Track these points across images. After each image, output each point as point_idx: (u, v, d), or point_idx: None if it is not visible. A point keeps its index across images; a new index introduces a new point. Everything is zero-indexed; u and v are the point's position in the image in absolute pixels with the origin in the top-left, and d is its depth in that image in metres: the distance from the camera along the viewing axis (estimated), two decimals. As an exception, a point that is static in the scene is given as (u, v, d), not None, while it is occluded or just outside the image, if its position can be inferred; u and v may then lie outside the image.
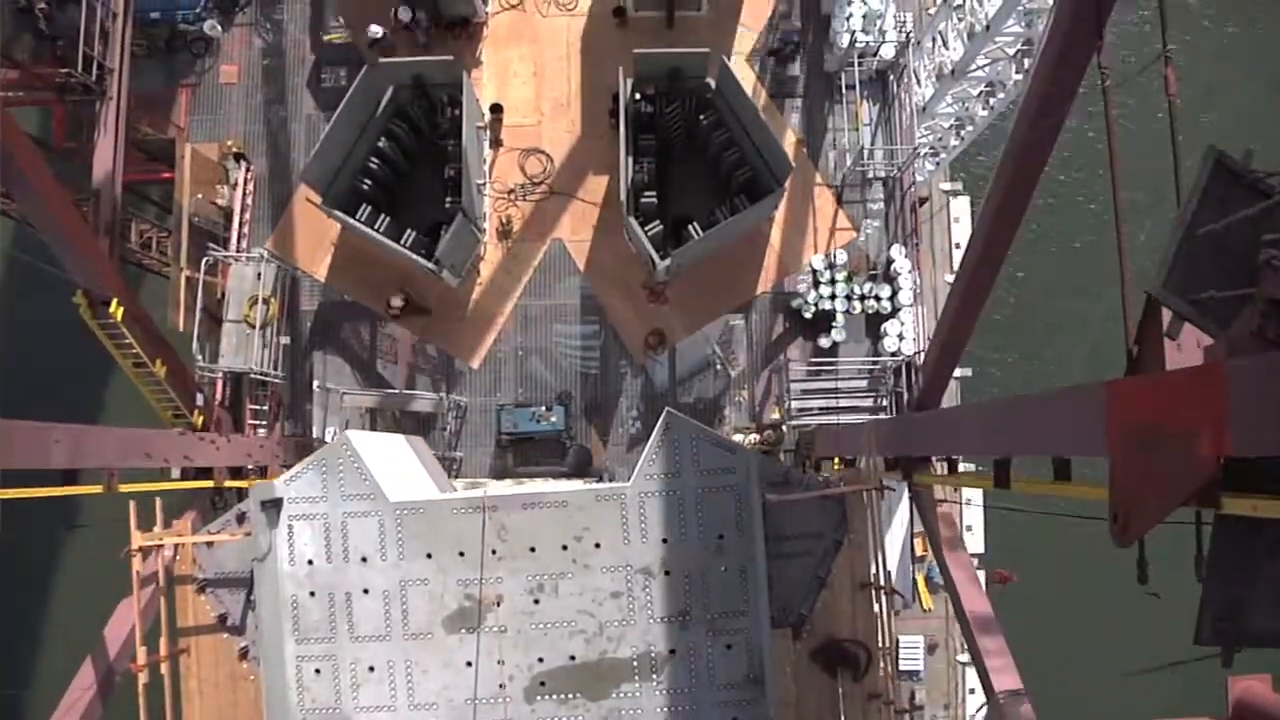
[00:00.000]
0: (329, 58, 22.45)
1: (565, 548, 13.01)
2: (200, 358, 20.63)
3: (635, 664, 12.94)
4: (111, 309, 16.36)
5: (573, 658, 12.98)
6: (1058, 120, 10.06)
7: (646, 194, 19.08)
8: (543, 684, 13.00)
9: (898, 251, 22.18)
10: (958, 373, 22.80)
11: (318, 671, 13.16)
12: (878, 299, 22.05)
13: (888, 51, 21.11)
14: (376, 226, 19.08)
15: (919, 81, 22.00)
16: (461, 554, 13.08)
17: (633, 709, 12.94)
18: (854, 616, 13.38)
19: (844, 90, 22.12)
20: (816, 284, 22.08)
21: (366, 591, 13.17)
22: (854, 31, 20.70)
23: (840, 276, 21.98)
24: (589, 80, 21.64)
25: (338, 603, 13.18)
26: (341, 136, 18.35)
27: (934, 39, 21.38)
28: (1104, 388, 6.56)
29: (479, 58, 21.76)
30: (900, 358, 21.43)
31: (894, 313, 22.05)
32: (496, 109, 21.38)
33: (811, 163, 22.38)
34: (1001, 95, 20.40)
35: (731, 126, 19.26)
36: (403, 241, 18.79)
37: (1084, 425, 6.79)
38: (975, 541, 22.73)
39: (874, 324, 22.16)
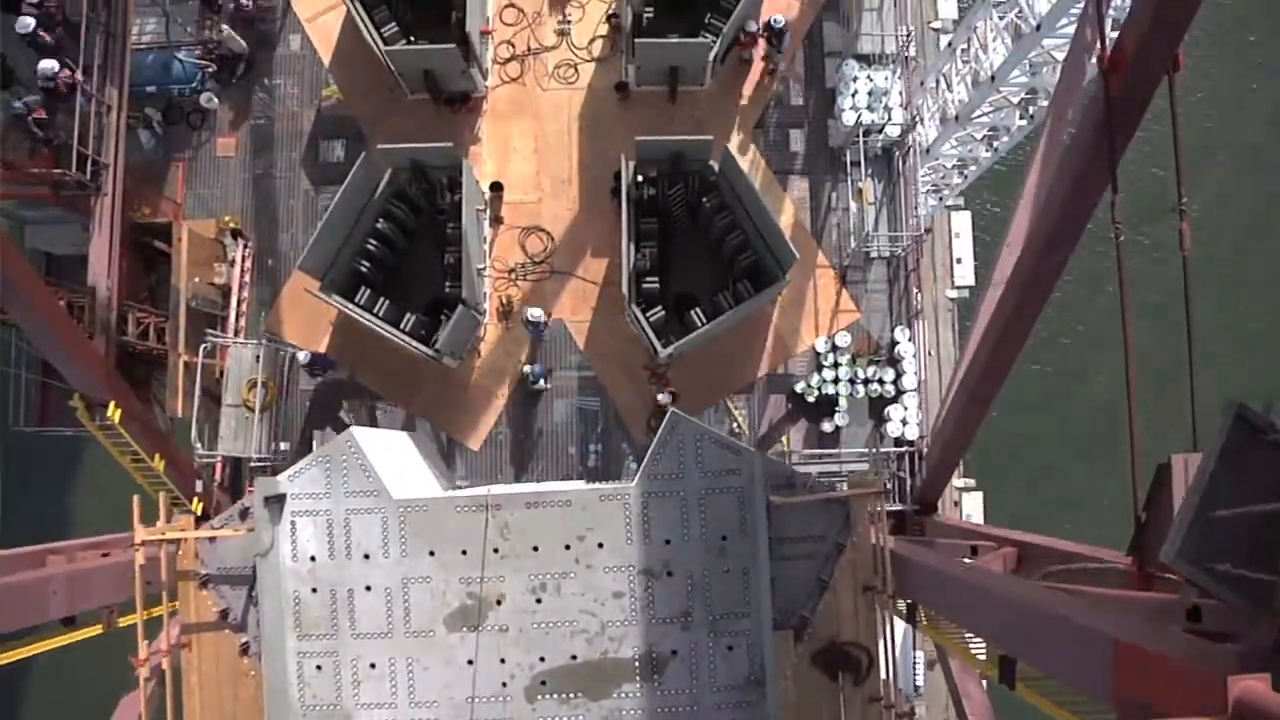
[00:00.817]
0: (326, 131, 21.74)
1: (568, 547, 13.01)
2: (199, 445, 20.31)
3: (637, 664, 12.94)
4: (110, 412, 16.21)
5: (574, 657, 12.98)
6: (1064, 256, 9.99)
7: (648, 280, 18.77)
8: (544, 683, 13.00)
9: (902, 334, 21.51)
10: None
11: (319, 668, 13.16)
12: (881, 382, 21.24)
13: (893, 130, 20.66)
14: (375, 310, 18.65)
15: (922, 121, 21.60)
16: (464, 552, 13.08)
17: (634, 709, 12.94)
18: (856, 619, 13.35)
19: (848, 167, 21.55)
20: (819, 367, 21.35)
21: (369, 588, 13.17)
22: (859, 109, 20.22)
23: (843, 360, 21.29)
24: (591, 155, 21.08)
25: (340, 599, 13.18)
26: (339, 223, 17.96)
27: (938, 80, 21.24)
28: (1112, 646, 6.44)
29: (478, 134, 21.16)
30: (904, 448, 20.75)
31: (898, 396, 21.29)
32: (497, 187, 20.78)
33: (814, 240, 21.77)
34: (1005, 139, 20.24)
35: (735, 210, 18.88)
36: (402, 325, 18.38)
37: (1092, 669, 6.75)
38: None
39: (877, 407, 21.41)
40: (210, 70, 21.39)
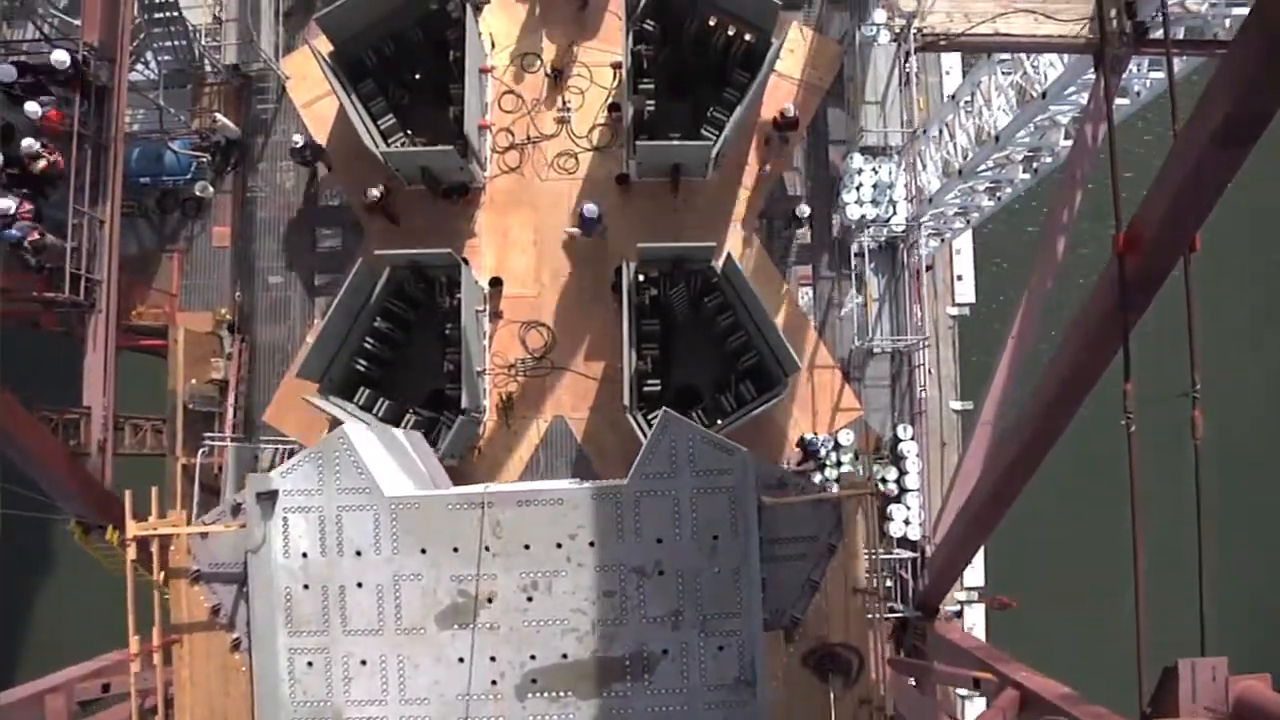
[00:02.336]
0: (323, 219, 21.46)
1: (559, 545, 13.01)
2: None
3: (627, 663, 12.93)
4: (108, 535, 15.98)
5: (565, 656, 12.98)
6: (1072, 409, 9.96)
7: (649, 383, 18.67)
8: (534, 681, 12.99)
9: (904, 431, 21.14)
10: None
11: (310, 664, 13.16)
12: (884, 481, 20.74)
13: (898, 224, 20.34)
14: (375, 411, 18.58)
15: (924, 165, 21.32)
16: (455, 549, 13.08)
17: (624, 708, 12.93)
18: (846, 621, 13.38)
19: (852, 259, 21.20)
20: (821, 466, 20.92)
21: (360, 585, 13.16)
22: (863, 202, 19.94)
23: (845, 458, 20.82)
24: (591, 248, 20.76)
25: (331, 596, 13.18)
26: (337, 327, 17.76)
27: (940, 129, 21.13)
28: None
29: (477, 226, 20.78)
30: (906, 554, 20.35)
31: (900, 495, 20.88)
32: (496, 283, 20.50)
33: (816, 333, 21.48)
34: (1009, 190, 20.18)
35: (738, 312, 18.68)
36: (403, 424, 18.44)
37: None
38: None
39: (880, 506, 20.82)
40: (205, 160, 20.95)
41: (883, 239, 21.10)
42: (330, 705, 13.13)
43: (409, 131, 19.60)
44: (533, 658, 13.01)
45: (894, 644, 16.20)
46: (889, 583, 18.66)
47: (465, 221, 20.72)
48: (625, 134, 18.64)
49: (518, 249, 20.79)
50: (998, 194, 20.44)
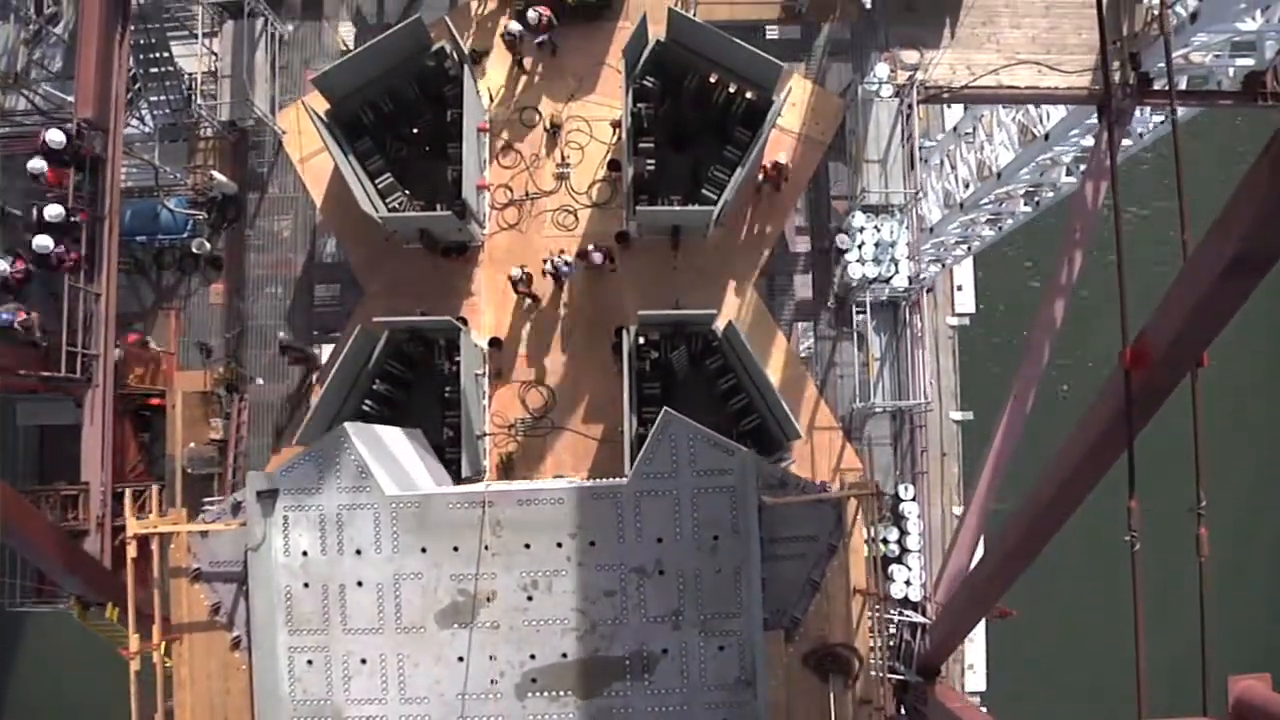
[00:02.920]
0: (321, 275, 21.04)
1: (560, 545, 13.01)
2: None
3: (627, 663, 12.93)
4: (108, 613, 15.77)
5: (565, 655, 12.98)
6: (1070, 510, 9.86)
7: None
8: (534, 680, 13.00)
9: (905, 491, 20.86)
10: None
11: (310, 663, 13.16)
12: (885, 542, 20.25)
13: (899, 283, 19.93)
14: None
15: (925, 194, 21.06)
16: (456, 549, 13.08)
17: (623, 708, 12.93)
18: (847, 621, 13.37)
19: (854, 316, 20.79)
20: None
21: (360, 584, 13.17)
22: (865, 261, 19.66)
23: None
24: (591, 306, 20.40)
25: (331, 594, 13.18)
26: (336, 394, 17.53)
27: (942, 160, 20.92)
28: None
29: (476, 284, 20.35)
30: (908, 617, 19.52)
31: (902, 555, 20.61)
32: (495, 343, 20.21)
33: (817, 389, 21.05)
34: (1010, 222, 20.02)
35: (738, 374, 18.45)
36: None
37: None
38: (978, 680, 21.99)
39: (882, 566, 20.95)
40: (201, 217, 20.58)
41: (884, 297, 20.75)
42: (330, 703, 13.13)
43: (406, 190, 19.04)
44: (532, 657, 13.01)
45: (895, 704, 16.11)
46: (890, 642, 18.32)
47: (464, 279, 20.30)
48: (625, 193, 18.16)
49: (518, 307, 20.44)
50: (999, 225, 20.29)
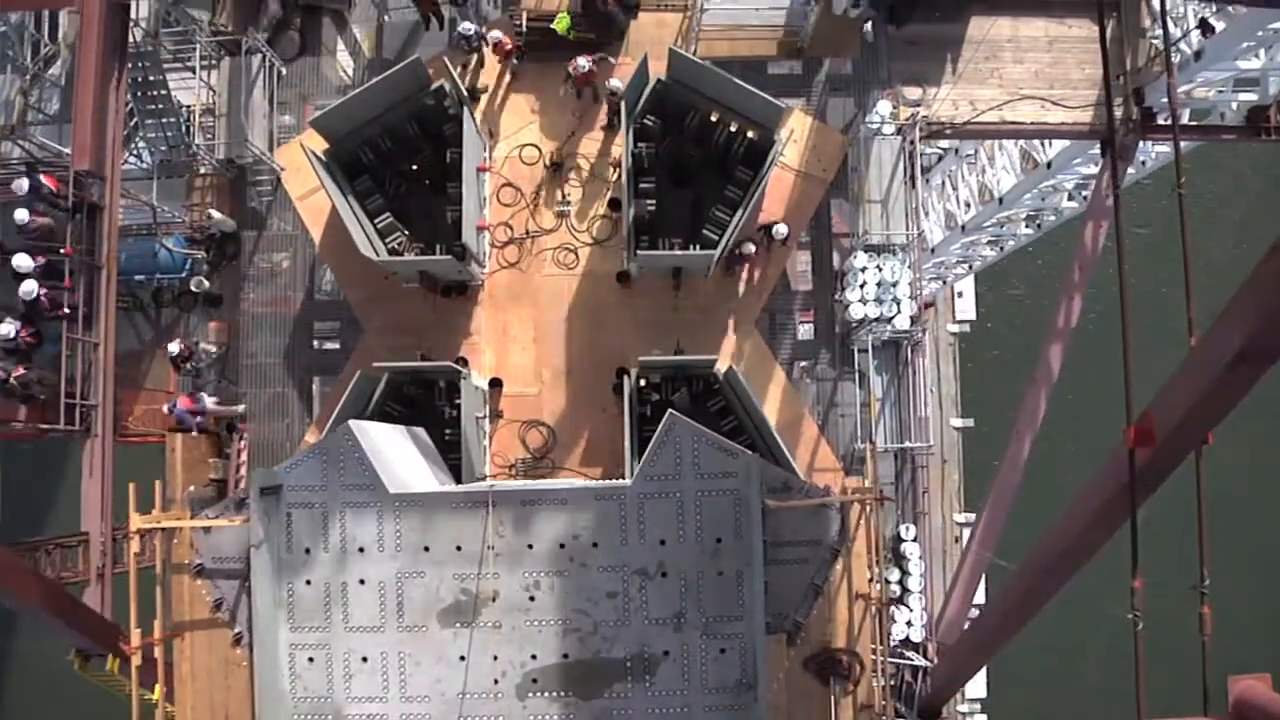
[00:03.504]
0: (320, 313, 20.74)
1: (563, 546, 13.02)
2: None
3: (628, 665, 12.94)
4: (109, 665, 15.65)
5: (566, 656, 12.98)
6: (1069, 575, 9.86)
7: None
8: (535, 681, 13.00)
9: (907, 532, 20.71)
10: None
11: (311, 660, 13.16)
12: (886, 583, 19.65)
13: (901, 323, 19.60)
14: None
15: (926, 213, 21.06)
16: (459, 548, 13.09)
17: (624, 710, 12.94)
18: (849, 626, 13.37)
19: (855, 355, 20.59)
20: None
21: (362, 582, 13.17)
22: (866, 300, 19.44)
23: None
24: (592, 346, 20.10)
25: (333, 592, 13.19)
26: None
27: (944, 181, 20.90)
28: None
29: (476, 323, 20.15)
30: (910, 660, 19.65)
31: (903, 596, 20.37)
32: (496, 384, 20.02)
33: (818, 429, 20.74)
34: (1012, 243, 20.01)
35: (739, 417, 18.38)
36: None
37: None
38: (978, 688, 21.83)
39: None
40: (200, 255, 20.27)
41: (885, 336, 20.44)
42: (331, 701, 13.13)
43: (406, 229, 18.62)
44: (534, 657, 13.01)
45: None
46: (891, 683, 18.10)
47: (464, 318, 20.08)
48: (626, 234, 18.02)
49: (518, 346, 20.22)
50: (1000, 245, 20.29)
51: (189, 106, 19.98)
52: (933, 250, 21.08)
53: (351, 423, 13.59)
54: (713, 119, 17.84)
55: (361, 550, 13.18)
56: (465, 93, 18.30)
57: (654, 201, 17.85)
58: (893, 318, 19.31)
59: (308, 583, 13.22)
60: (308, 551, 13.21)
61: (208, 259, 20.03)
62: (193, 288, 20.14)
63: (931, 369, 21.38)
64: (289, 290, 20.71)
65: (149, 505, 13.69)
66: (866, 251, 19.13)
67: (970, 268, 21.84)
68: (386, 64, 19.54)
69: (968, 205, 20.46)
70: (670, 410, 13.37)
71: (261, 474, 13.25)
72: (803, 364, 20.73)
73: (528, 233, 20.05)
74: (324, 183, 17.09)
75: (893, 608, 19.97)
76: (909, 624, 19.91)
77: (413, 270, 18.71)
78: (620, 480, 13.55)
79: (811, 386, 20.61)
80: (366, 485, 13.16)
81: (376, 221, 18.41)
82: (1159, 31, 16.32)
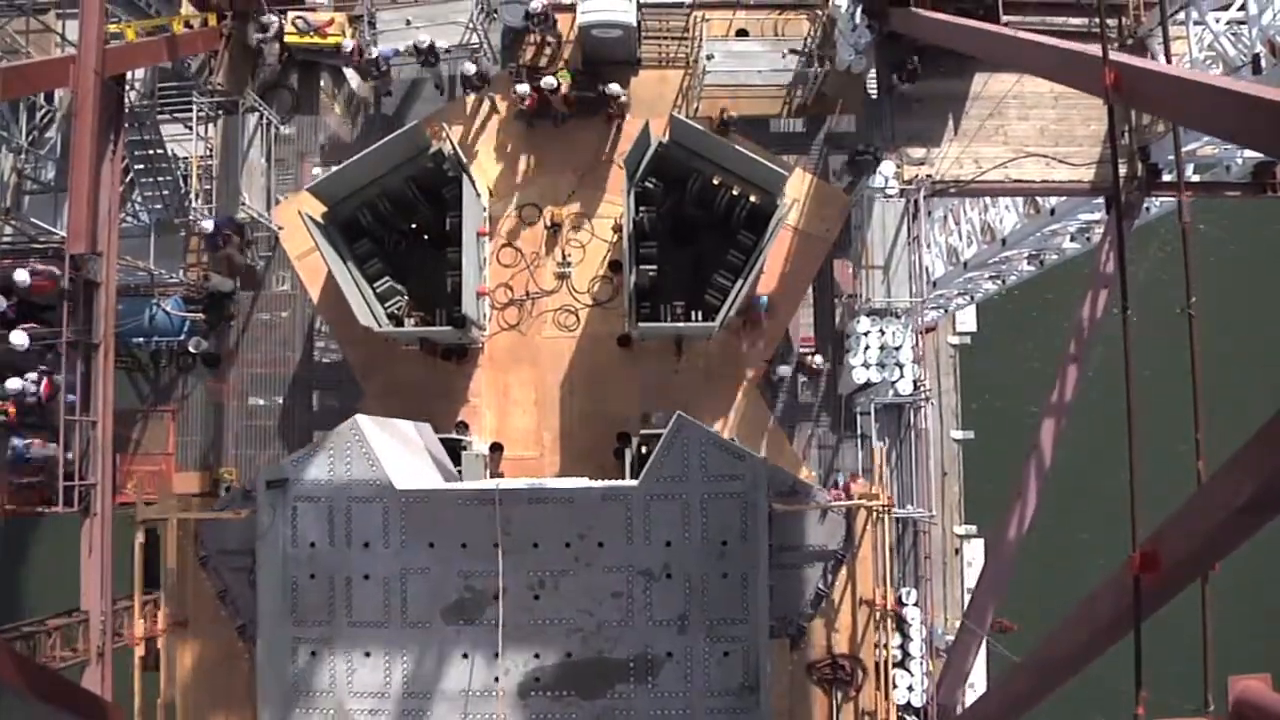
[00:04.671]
0: (320, 377, 20.12)
1: (568, 545, 13.01)
2: None
3: (631, 665, 12.92)
4: None
5: (569, 655, 12.97)
6: (1074, 673, 9.81)
7: None
8: (537, 680, 12.98)
9: (908, 595, 19.81)
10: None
11: (314, 654, 13.16)
12: (885, 647, 20.40)
13: (904, 387, 19.07)
14: None
15: (928, 245, 20.46)
16: (464, 545, 13.09)
17: (626, 710, 12.91)
18: (853, 632, 13.36)
19: (858, 418, 20.21)
20: None
21: (367, 577, 13.18)
22: (870, 365, 18.93)
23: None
24: (592, 408, 19.74)
25: (338, 586, 13.19)
26: None
27: (946, 214, 20.79)
28: None
29: (476, 386, 19.74)
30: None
31: (904, 660, 20.57)
32: (497, 448, 19.70)
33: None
34: (1014, 278, 19.93)
35: None
36: None
37: None
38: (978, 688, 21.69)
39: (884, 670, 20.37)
40: (198, 318, 19.75)
41: (888, 400, 19.92)
42: (332, 695, 13.12)
43: (406, 292, 18.29)
44: (537, 656, 13.00)
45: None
46: None
47: (464, 381, 19.67)
48: (627, 301, 17.55)
49: (519, 409, 19.84)
50: (1001, 279, 20.24)
51: (185, 158, 19.58)
52: (934, 283, 20.91)
53: (358, 417, 13.61)
54: (715, 182, 17.54)
55: (366, 545, 13.18)
56: (464, 159, 17.76)
57: (655, 268, 17.35)
58: (895, 381, 18.85)
59: (312, 576, 13.23)
60: (313, 545, 13.22)
61: (205, 320, 19.72)
62: (191, 348, 19.65)
63: (935, 427, 21.11)
64: (288, 351, 20.20)
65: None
66: (869, 316, 18.66)
67: (972, 298, 21.83)
68: (385, 119, 19.36)
69: (970, 240, 20.41)
70: (678, 413, 13.37)
71: (268, 467, 13.26)
72: (804, 426, 20.51)
73: (528, 294, 19.47)
74: (324, 253, 16.80)
75: (893, 672, 19.74)
76: (910, 688, 19.76)
77: (413, 337, 18.56)
78: (627, 481, 13.51)
79: (813, 450, 20.44)
80: (373, 480, 13.17)
81: (376, 286, 17.96)
82: None
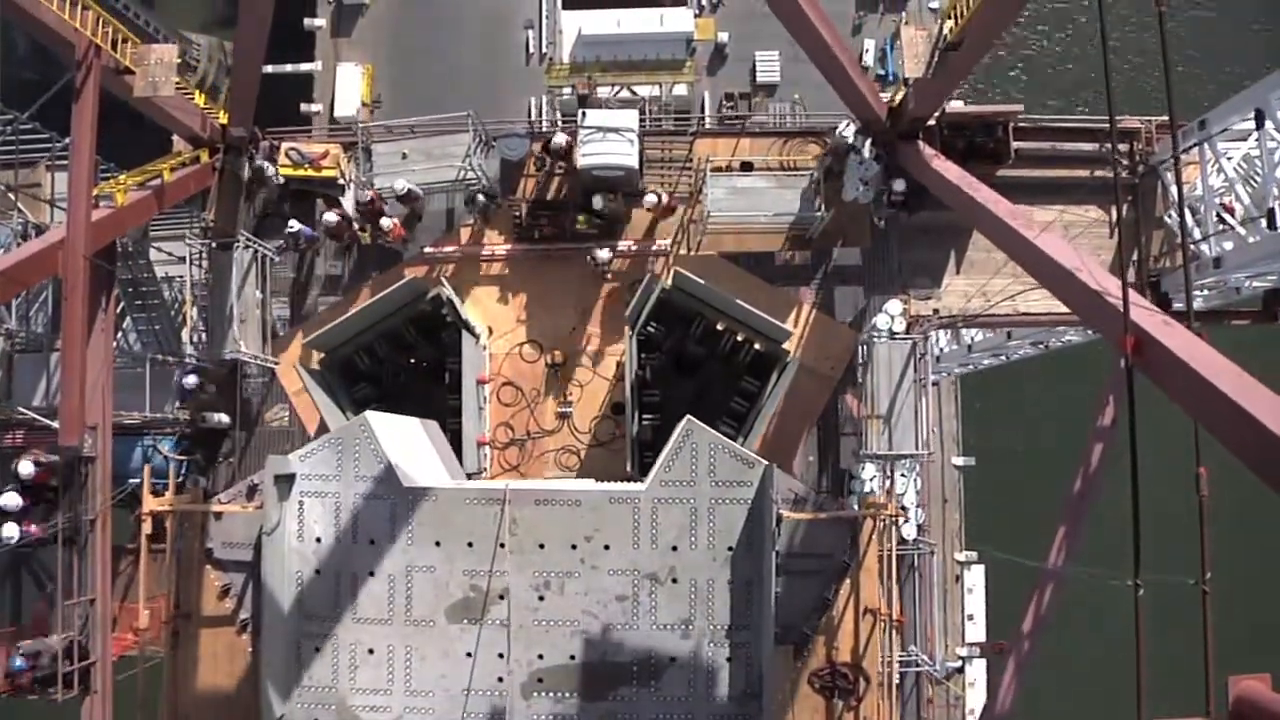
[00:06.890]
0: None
1: (574, 547, 13.01)
2: None
3: (635, 668, 12.92)
4: None
5: (573, 657, 12.96)
6: None
7: None
8: (540, 680, 12.98)
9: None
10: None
11: (317, 650, 13.15)
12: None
13: (908, 533, 19.31)
14: None
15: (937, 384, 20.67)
16: (470, 544, 13.08)
17: (628, 713, 12.91)
18: (856, 641, 13.37)
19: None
20: None
21: (372, 574, 13.17)
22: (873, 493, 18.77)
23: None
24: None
25: (343, 583, 13.19)
26: None
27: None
28: None
29: None
30: None
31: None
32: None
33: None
34: (1015, 355, 20.04)
35: None
36: None
37: None
38: (976, 630, 21.81)
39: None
40: (195, 460, 19.35)
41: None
42: (335, 691, 13.11)
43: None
44: (540, 657, 12.99)
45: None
46: None
47: None
48: (629, 449, 17.27)
49: None
50: (1004, 355, 20.33)
51: (179, 277, 19.38)
52: (938, 358, 20.81)
53: (368, 414, 13.60)
54: (719, 327, 17.40)
55: (372, 542, 13.18)
56: (461, 310, 17.81)
57: (658, 417, 17.27)
58: (901, 525, 18.08)
59: (317, 572, 13.23)
60: (319, 541, 13.21)
61: (201, 460, 19.09)
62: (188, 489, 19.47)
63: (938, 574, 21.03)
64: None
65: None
66: (874, 461, 18.20)
67: (974, 366, 21.88)
68: (380, 249, 19.27)
69: (976, 331, 20.47)
70: (688, 417, 13.37)
71: (276, 461, 13.24)
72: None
73: (529, 434, 19.21)
74: (320, 407, 16.77)
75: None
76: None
77: None
78: (635, 484, 13.51)
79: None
80: (381, 477, 13.16)
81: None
82: (1174, 216, 16.38)
